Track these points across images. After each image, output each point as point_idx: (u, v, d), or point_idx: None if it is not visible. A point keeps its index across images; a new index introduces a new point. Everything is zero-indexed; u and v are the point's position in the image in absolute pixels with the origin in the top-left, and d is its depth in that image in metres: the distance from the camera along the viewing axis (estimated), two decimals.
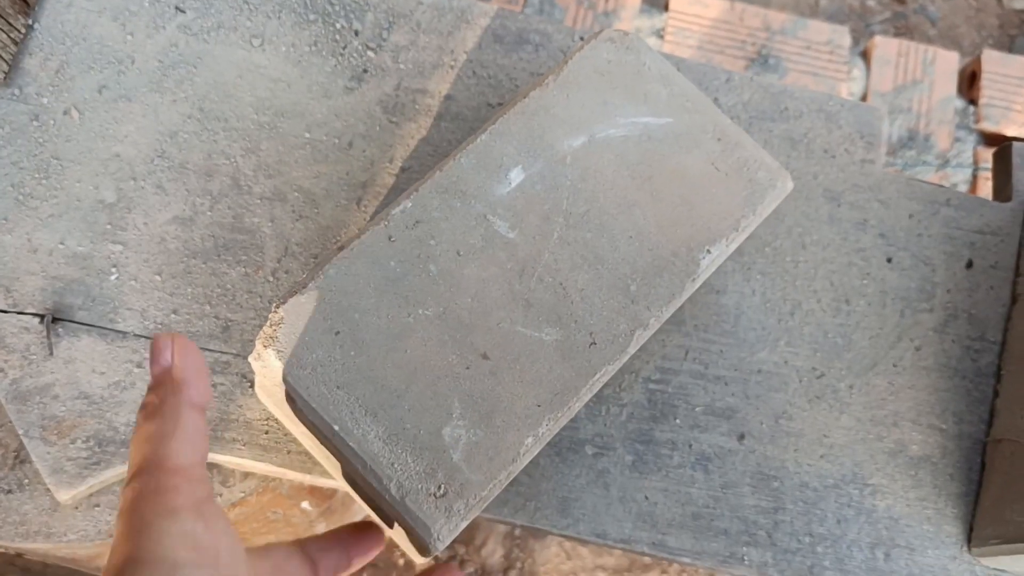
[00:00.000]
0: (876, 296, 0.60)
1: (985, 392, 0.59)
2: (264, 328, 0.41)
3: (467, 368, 0.41)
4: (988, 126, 1.20)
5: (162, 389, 0.35)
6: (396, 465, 0.39)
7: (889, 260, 0.61)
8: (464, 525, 0.39)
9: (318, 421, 0.40)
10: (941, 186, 0.64)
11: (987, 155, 1.20)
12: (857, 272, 0.60)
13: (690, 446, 0.55)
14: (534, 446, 0.41)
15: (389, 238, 0.42)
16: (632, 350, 0.45)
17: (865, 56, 1.21)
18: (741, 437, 0.56)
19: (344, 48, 0.60)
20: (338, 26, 0.60)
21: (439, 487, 0.39)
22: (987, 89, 1.21)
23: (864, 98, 1.19)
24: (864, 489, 0.56)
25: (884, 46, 1.20)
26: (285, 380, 0.40)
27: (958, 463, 0.57)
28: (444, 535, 0.39)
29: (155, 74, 0.57)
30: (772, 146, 0.62)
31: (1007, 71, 1.22)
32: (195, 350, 0.37)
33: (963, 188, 1.18)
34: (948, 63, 1.22)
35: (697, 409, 0.56)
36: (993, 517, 0.54)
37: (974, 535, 0.55)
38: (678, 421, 0.55)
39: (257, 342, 0.42)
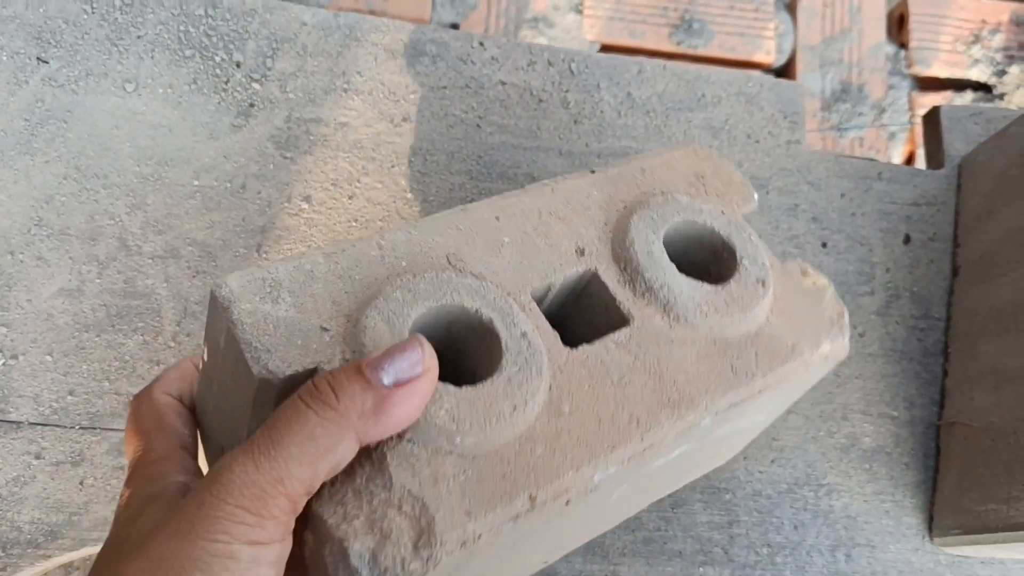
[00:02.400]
0: None
1: (934, 372, 0.57)
2: None
3: None
4: (920, 69, 1.17)
5: (353, 406, 0.28)
6: None
7: (824, 245, 0.58)
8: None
9: None
10: (871, 159, 0.62)
11: (922, 100, 1.18)
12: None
13: None
14: None
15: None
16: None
17: (791, 9, 1.18)
18: None
19: (227, 83, 0.55)
20: (217, 59, 0.56)
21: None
22: (916, 31, 1.18)
23: (793, 54, 1.16)
24: (819, 490, 0.54)
25: None
26: None
27: (913, 451, 0.55)
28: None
29: (22, 134, 0.53)
30: (692, 136, 0.59)
31: (935, 10, 1.20)
32: (427, 393, 0.29)
33: (901, 136, 1.16)
34: (875, 8, 1.19)
35: None
36: (952, 507, 0.52)
37: (935, 525, 0.53)
38: None
39: None
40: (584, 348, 0.34)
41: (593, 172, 0.39)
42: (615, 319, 0.35)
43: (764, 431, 0.54)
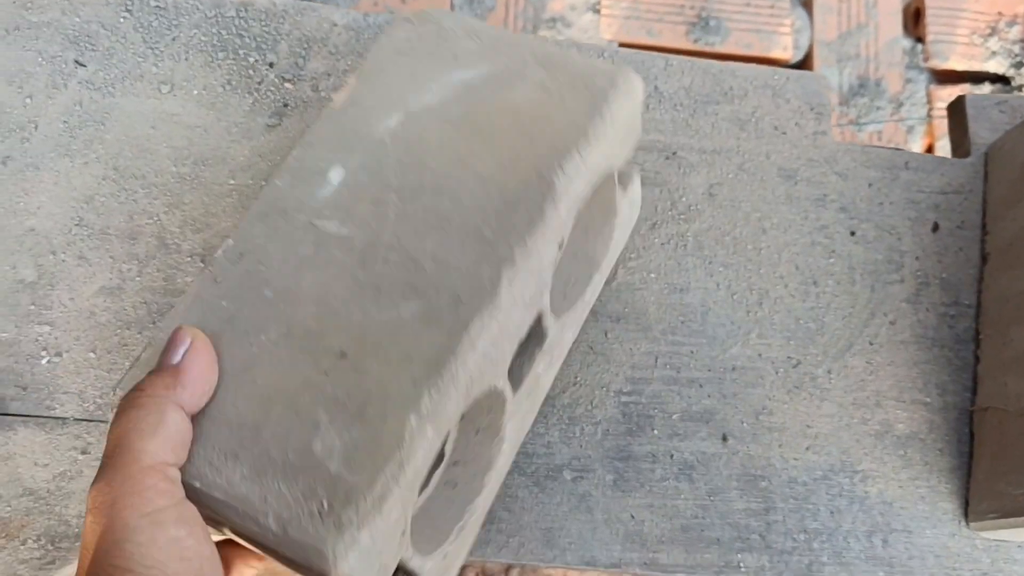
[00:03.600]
0: (844, 273, 0.58)
1: (966, 359, 0.57)
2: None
3: (325, 373, 0.37)
4: (937, 63, 1.17)
5: (157, 382, 0.34)
6: (269, 499, 0.34)
7: (853, 234, 0.59)
8: (367, 534, 0.34)
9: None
10: (898, 149, 0.62)
11: (940, 93, 1.18)
12: (822, 251, 0.58)
13: (671, 456, 0.53)
14: (422, 425, 0.37)
15: (215, 280, 0.39)
16: (505, 292, 0.40)
17: (806, 5, 1.18)
18: (723, 439, 0.54)
19: (260, 83, 0.56)
20: (251, 60, 0.57)
21: (321, 503, 0.34)
22: (932, 25, 1.18)
23: (810, 49, 1.16)
24: (854, 476, 0.54)
25: None
26: None
27: (947, 436, 0.56)
28: (342, 552, 0.34)
29: (62, 137, 0.54)
30: (720, 129, 0.59)
31: (951, 3, 1.20)
32: (209, 355, 0.36)
33: (920, 129, 1.16)
34: (891, 2, 1.20)
35: (674, 416, 0.54)
36: (988, 491, 0.52)
37: (971, 510, 0.54)
38: (656, 432, 0.53)
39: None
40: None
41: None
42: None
43: (797, 419, 0.54)
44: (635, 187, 0.51)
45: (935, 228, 0.60)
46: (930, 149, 1.16)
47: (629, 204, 0.51)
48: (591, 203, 0.46)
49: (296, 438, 0.35)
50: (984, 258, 0.59)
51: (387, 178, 0.41)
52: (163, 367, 0.35)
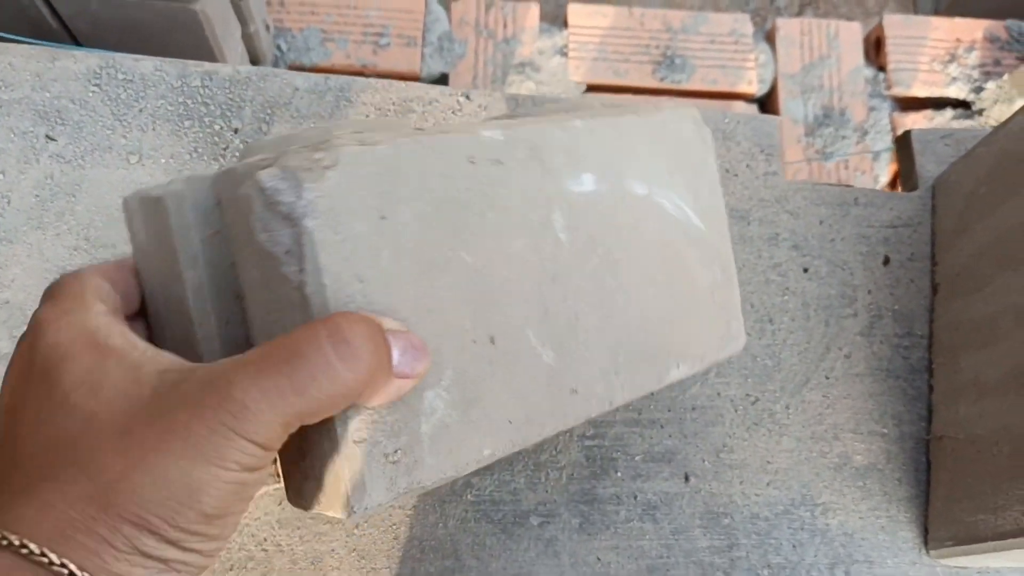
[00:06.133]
0: (799, 310, 0.59)
1: (920, 389, 0.59)
2: (299, 154, 0.33)
3: (473, 342, 0.36)
4: (900, 91, 1.20)
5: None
6: None
7: (806, 271, 0.61)
8: (388, 502, 0.35)
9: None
10: (848, 186, 0.64)
11: (903, 120, 1.21)
12: (776, 288, 0.60)
13: (635, 497, 0.54)
14: (485, 460, 0.37)
15: (470, 160, 0.37)
16: (588, 416, 0.42)
17: (770, 40, 1.21)
18: (686, 478, 0.55)
19: (225, 149, 0.58)
20: (216, 127, 0.59)
21: (395, 451, 0.34)
22: (893, 54, 1.21)
23: (775, 83, 1.19)
24: (815, 509, 0.55)
25: (787, 27, 1.20)
26: (301, 223, 0.32)
27: (904, 466, 0.57)
28: (371, 501, 0.33)
29: (34, 210, 0.55)
30: None
31: (910, 32, 1.23)
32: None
33: (886, 156, 1.18)
34: (852, 33, 1.23)
35: (637, 458, 0.55)
36: (945, 519, 0.54)
37: (930, 537, 0.55)
38: (619, 474, 0.55)
39: (274, 168, 0.32)
40: None
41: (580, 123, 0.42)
42: None
43: (758, 455, 0.56)
44: None
45: (886, 261, 0.61)
46: (897, 175, 1.19)
47: None
48: None
49: None
50: (935, 288, 0.61)
51: (609, 231, 0.42)
52: (389, 355, 0.31)
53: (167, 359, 0.30)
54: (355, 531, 0.51)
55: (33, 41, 0.68)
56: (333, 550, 0.50)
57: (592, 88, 1.13)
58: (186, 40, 0.97)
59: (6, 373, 0.31)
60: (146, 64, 0.59)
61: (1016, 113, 0.55)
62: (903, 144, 0.66)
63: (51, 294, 0.32)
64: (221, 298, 0.34)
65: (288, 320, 0.32)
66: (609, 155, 0.42)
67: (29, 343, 0.31)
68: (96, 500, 0.26)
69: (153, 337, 0.35)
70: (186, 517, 0.27)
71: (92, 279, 0.33)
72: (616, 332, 0.42)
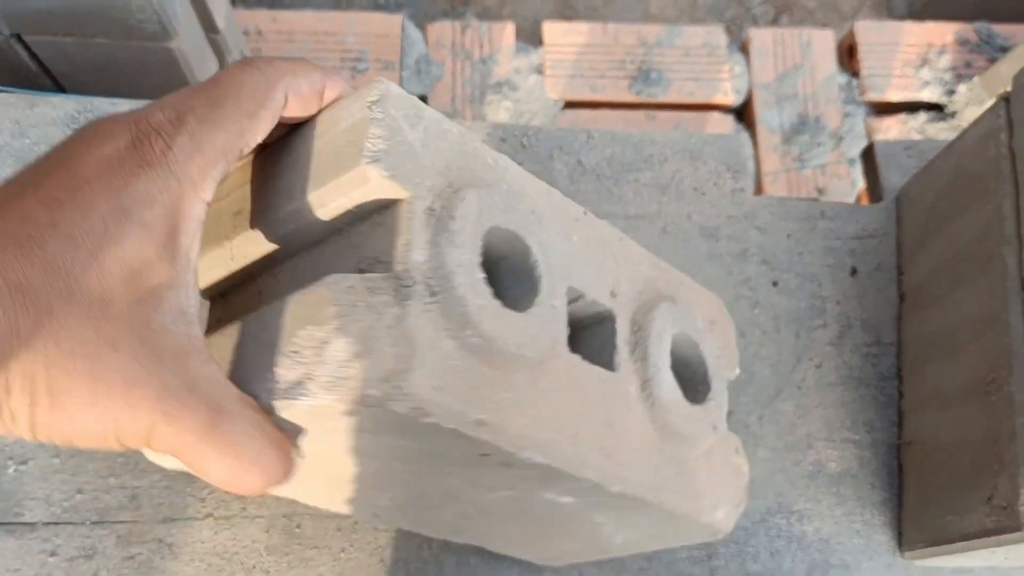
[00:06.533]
0: (769, 323, 0.61)
1: (891, 396, 0.60)
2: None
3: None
4: (873, 96, 1.22)
5: None
6: None
7: (775, 284, 0.62)
8: None
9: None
10: (814, 199, 0.66)
11: (878, 124, 1.22)
12: (746, 303, 0.61)
13: None
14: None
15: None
16: None
17: (744, 50, 1.23)
18: None
19: None
20: None
21: None
22: (866, 60, 1.23)
23: (750, 93, 1.21)
24: (791, 517, 0.57)
25: (760, 37, 1.22)
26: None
27: (877, 471, 0.58)
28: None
29: None
30: (642, 195, 0.63)
31: (882, 38, 1.25)
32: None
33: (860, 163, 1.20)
34: (824, 41, 1.25)
35: None
36: (917, 521, 0.55)
37: (904, 540, 0.56)
38: None
39: None
40: (579, 359, 0.36)
41: (655, 256, 0.43)
42: (605, 362, 0.38)
43: None
44: None
45: (853, 272, 0.63)
46: None
47: None
48: None
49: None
50: (901, 298, 0.62)
51: None
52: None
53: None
54: (341, 555, 0.52)
55: (11, 89, 0.70)
56: (320, 575, 0.52)
57: (570, 104, 1.15)
58: (163, 77, 0.99)
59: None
60: (123, 108, 0.61)
61: (969, 127, 0.57)
62: (868, 156, 0.68)
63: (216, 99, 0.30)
64: None
65: None
66: None
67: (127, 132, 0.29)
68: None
69: None
70: None
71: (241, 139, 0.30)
72: None
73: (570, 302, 0.38)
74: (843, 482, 0.58)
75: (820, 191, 1.09)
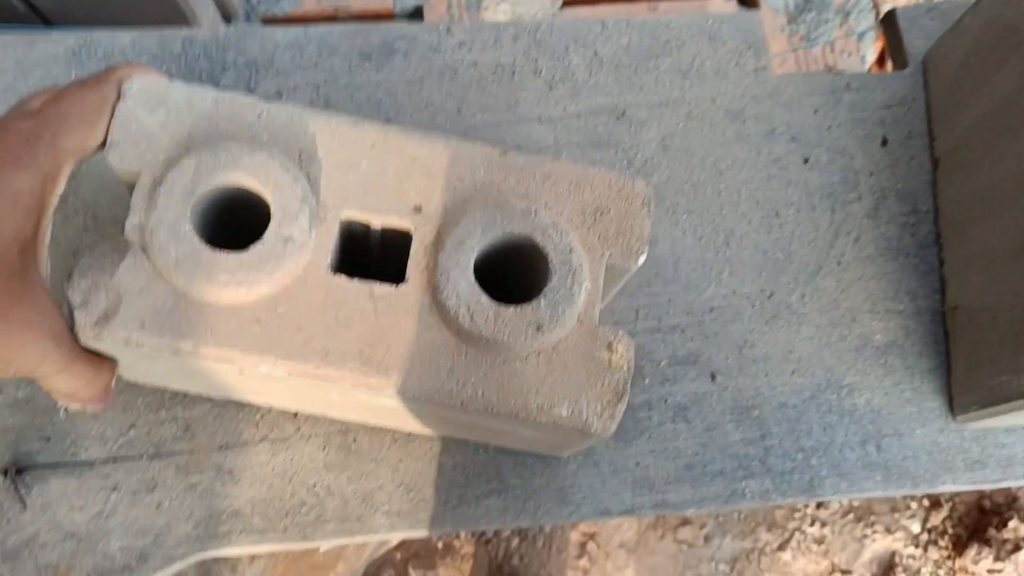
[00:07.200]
0: (803, 201, 0.60)
1: (931, 263, 0.60)
2: None
3: None
4: None
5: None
6: None
7: (806, 161, 0.61)
8: None
9: None
10: (839, 72, 0.64)
11: None
12: (778, 183, 0.60)
13: (665, 401, 0.56)
14: None
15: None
16: None
17: None
18: (712, 377, 0.56)
19: None
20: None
21: None
22: None
23: None
24: (841, 391, 0.57)
25: None
26: None
27: (923, 339, 0.58)
28: None
29: None
30: (664, 82, 0.61)
31: None
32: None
33: (871, 35, 1.17)
34: None
35: (662, 363, 0.56)
36: (968, 385, 0.55)
37: (955, 404, 0.56)
38: (647, 380, 0.56)
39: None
40: (344, 279, 0.41)
41: (504, 153, 0.42)
42: (395, 273, 0.41)
43: (779, 347, 0.57)
44: None
45: (884, 142, 0.62)
46: (883, 53, 1.18)
47: None
48: None
49: None
50: (935, 164, 0.61)
51: None
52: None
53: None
54: (400, 465, 0.52)
55: (7, 27, 0.67)
56: (381, 486, 0.52)
57: (568, 4, 1.11)
58: (155, 5, 0.96)
59: None
60: (123, 38, 0.59)
61: None
62: (889, 23, 0.66)
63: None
64: None
65: None
66: None
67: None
68: None
69: None
70: None
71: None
72: None
73: (360, 226, 0.42)
74: (890, 353, 0.58)
75: (830, 69, 1.07)
